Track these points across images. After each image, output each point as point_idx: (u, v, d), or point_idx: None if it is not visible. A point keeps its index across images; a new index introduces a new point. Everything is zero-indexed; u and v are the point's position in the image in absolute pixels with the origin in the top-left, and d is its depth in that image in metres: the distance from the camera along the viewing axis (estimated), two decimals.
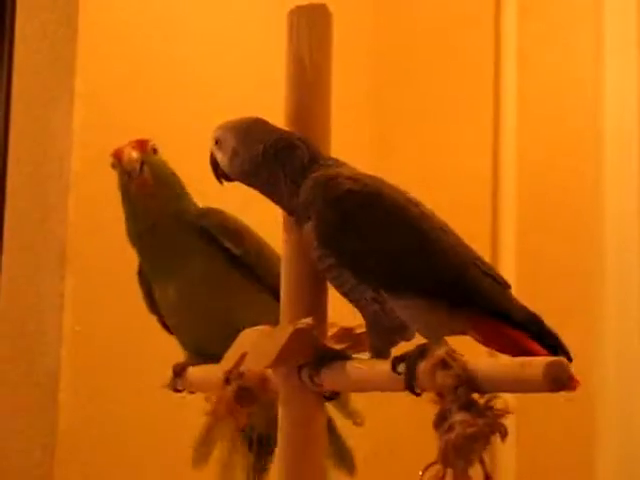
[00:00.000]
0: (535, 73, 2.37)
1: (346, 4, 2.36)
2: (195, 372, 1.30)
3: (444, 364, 0.90)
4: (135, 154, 1.35)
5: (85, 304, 1.96)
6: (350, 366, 1.04)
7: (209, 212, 1.36)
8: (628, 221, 2.24)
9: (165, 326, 1.41)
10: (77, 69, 2.01)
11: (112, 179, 2.04)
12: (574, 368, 0.92)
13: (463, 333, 1.03)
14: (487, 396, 0.90)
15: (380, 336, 1.05)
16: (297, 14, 1.14)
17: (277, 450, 1.08)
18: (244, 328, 1.24)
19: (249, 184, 1.11)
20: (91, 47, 2.03)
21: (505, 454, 2.13)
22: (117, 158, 1.36)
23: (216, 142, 1.12)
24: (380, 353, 1.05)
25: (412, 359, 0.96)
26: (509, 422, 0.90)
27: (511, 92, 2.39)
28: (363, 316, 1.06)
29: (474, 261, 1.02)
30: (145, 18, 2.14)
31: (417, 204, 1.04)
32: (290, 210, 1.08)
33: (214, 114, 2.15)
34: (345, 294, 1.05)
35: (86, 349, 1.95)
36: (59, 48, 2.05)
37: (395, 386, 0.97)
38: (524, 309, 1.01)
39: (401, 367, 0.97)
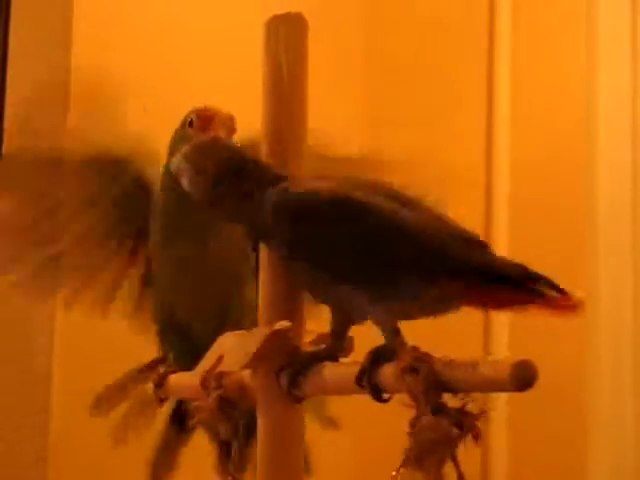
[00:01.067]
0: (528, 70, 2.39)
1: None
2: (175, 380, 1.31)
3: (411, 368, 0.92)
4: None
5: (78, 306, 1.97)
6: (328, 370, 1.05)
7: None
8: (621, 213, 2.25)
9: None
10: (72, 68, 2.02)
11: None
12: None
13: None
14: (461, 396, 0.92)
15: (344, 325, 1.08)
16: (274, 23, 1.16)
17: (257, 454, 1.09)
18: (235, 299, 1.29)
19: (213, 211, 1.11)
20: (86, 46, 2.04)
21: (497, 456, 2.14)
22: (205, 124, 1.29)
23: (177, 172, 1.11)
24: (340, 336, 1.07)
25: (370, 368, 0.98)
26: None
27: (504, 89, 2.41)
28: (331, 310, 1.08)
29: (449, 232, 1.02)
30: (141, 17, 2.15)
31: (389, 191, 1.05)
32: (254, 231, 1.10)
33: None
34: (322, 300, 1.07)
35: (78, 350, 1.96)
36: (53, 45, 2.06)
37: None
38: (507, 262, 1.02)
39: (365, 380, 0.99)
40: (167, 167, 1.30)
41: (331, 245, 1.01)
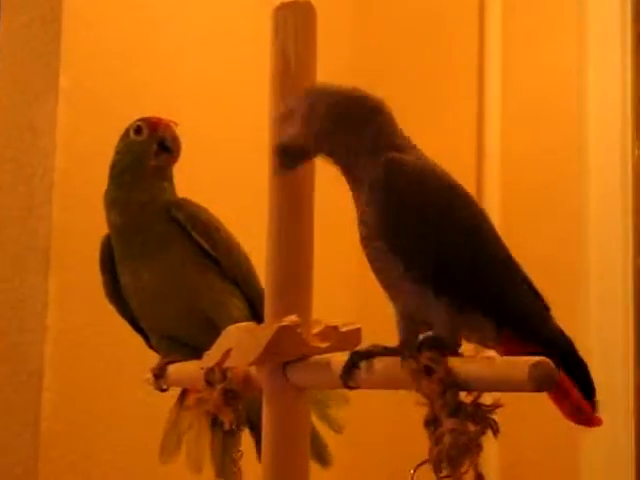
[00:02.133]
0: (519, 67, 2.38)
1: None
2: (176, 369, 1.31)
3: (427, 370, 0.89)
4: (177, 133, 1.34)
5: (69, 303, 1.96)
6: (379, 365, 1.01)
7: (182, 203, 1.35)
8: (612, 219, 2.24)
9: (123, 314, 1.41)
10: (61, 66, 2.00)
11: (97, 176, 2.03)
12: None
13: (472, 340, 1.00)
14: (474, 394, 0.89)
15: (409, 329, 1.01)
16: (283, 10, 1.13)
17: (262, 447, 1.08)
18: (211, 312, 1.30)
19: (325, 153, 1.03)
20: (76, 44, 2.02)
21: (489, 452, 2.13)
22: (154, 127, 1.34)
23: (283, 117, 1.04)
24: (407, 344, 1.00)
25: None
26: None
27: (495, 88, 2.40)
28: (396, 308, 1.02)
29: (523, 277, 0.99)
30: (130, 14, 2.13)
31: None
32: (354, 182, 1.01)
33: (200, 110, 2.18)
34: (388, 285, 1.01)
35: (70, 348, 1.94)
36: (43, 45, 2.04)
37: (401, 384, 0.96)
38: (561, 334, 0.99)
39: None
40: (111, 188, 1.37)
41: (422, 240, 0.95)
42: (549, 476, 2.19)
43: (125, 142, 1.36)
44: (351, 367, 1.00)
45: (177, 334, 1.34)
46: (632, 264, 2.23)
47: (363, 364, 1.00)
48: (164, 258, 1.32)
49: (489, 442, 0.89)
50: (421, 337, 0.96)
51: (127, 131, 1.37)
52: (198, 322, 1.31)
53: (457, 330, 0.96)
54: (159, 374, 1.32)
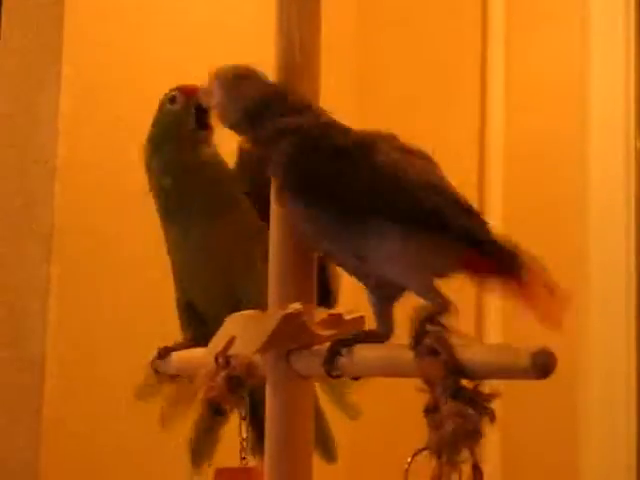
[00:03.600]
0: (522, 55, 2.39)
1: None
2: (180, 356, 1.30)
3: (431, 350, 0.89)
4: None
5: (71, 290, 1.96)
6: (366, 352, 1.01)
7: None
8: (614, 208, 2.25)
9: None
10: (64, 54, 2.00)
11: (99, 164, 2.03)
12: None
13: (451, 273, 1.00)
14: (475, 381, 0.89)
15: (385, 306, 1.03)
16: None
17: (266, 434, 1.09)
18: (240, 289, 1.27)
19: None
20: (78, 31, 2.03)
21: (490, 441, 2.14)
22: (189, 93, 1.28)
23: (207, 90, 1.09)
24: (382, 318, 1.02)
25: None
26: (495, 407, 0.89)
27: (498, 76, 2.40)
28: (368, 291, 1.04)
29: (455, 198, 1.00)
30: (133, 2, 2.13)
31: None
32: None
33: None
34: (329, 252, 1.03)
35: (72, 335, 1.95)
36: (46, 32, 2.04)
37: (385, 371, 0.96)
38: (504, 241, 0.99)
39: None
40: (158, 155, 1.30)
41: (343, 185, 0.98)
42: (549, 469, 2.20)
43: (162, 113, 1.31)
44: (334, 355, 1.01)
45: (199, 302, 1.31)
46: (634, 252, 2.23)
47: (345, 351, 1.01)
48: (219, 223, 1.28)
49: (491, 434, 0.89)
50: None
51: (162, 103, 1.32)
52: (224, 297, 1.28)
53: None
54: (163, 355, 1.30)
